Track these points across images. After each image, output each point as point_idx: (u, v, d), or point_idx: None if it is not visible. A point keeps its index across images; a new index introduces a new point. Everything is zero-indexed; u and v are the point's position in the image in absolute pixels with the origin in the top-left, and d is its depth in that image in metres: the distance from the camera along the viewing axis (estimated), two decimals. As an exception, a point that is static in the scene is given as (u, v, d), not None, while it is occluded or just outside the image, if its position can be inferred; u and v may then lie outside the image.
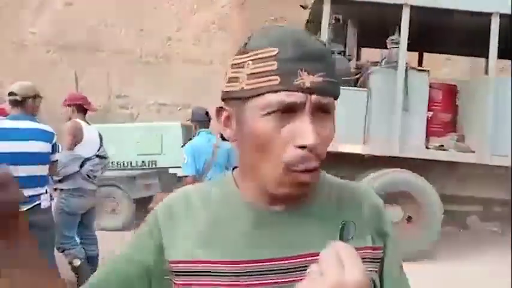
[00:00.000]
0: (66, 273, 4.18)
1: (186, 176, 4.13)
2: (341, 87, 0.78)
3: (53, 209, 3.45)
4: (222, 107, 0.77)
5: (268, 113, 0.68)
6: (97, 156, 4.00)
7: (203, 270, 0.74)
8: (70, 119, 3.93)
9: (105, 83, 10.13)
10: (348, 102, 5.17)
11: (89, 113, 4.18)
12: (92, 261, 4.01)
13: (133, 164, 6.91)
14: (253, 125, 0.70)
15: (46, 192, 3.20)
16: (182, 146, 4.41)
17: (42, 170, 3.17)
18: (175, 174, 6.64)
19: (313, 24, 6.58)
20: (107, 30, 10.56)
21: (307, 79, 0.68)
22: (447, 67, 10.00)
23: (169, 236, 0.77)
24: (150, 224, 0.79)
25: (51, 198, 3.36)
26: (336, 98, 0.73)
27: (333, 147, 5.12)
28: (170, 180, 6.78)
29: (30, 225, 2.63)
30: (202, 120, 4.32)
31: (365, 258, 0.76)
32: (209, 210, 0.78)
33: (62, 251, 3.82)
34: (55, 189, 3.77)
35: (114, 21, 10.61)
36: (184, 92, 9.52)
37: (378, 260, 0.80)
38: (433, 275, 4.83)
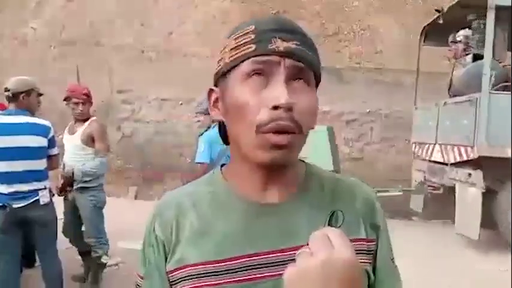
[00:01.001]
0: (74, 268, 4.21)
1: (201, 163, 4.23)
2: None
3: (59, 208, 3.47)
4: (212, 89, 0.81)
5: (246, 79, 0.72)
6: None
7: (198, 273, 0.74)
8: (81, 116, 3.89)
9: (107, 78, 10.12)
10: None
11: (91, 107, 4.21)
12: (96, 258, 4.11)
13: None
14: (233, 93, 0.74)
15: (45, 188, 3.20)
16: (200, 135, 4.47)
17: (38, 164, 3.17)
18: None
19: (444, 26, 6.58)
20: (108, 25, 10.54)
21: (281, 44, 0.72)
22: (448, 60, 9.94)
23: (170, 249, 0.78)
24: (158, 246, 0.79)
25: (52, 195, 3.36)
26: (315, 72, 0.76)
27: (503, 153, 5.15)
28: None
29: (30, 222, 2.66)
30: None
31: (360, 250, 0.78)
32: (200, 211, 0.79)
33: (92, 245, 3.88)
34: (81, 188, 3.77)
35: (115, 16, 10.58)
36: (186, 86, 9.50)
37: (372, 252, 0.81)
38: None
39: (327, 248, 0.54)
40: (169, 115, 9.84)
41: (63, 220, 3.99)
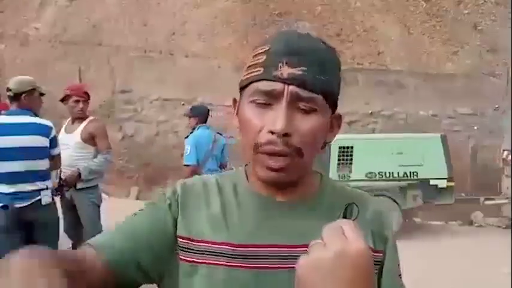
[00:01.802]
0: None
1: (187, 165, 4.39)
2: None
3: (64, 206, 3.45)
4: (235, 99, 0.85)
5: (252, 101, 0.76)
6: None
7: (208, 250, 0.78)
8: (81, 114, 3.90)
9: (109, 78, 10.13)
10: None
11: (93, 108, 4.21)
12: None
13: (395, 175, 6.83)
14: (242, 111, 0.79)
15: (47, 188, 3.18)
16: (186, 137, 4.66)
17: (40, 164, 3.16)
18: (436, 185, 6.71)
19: None
20: (110, 26, 10.55)
21: (285, 71, 0.73)
22: (452, 62, 9.94)
23: (185, 212, 0.81)
24: (170, 197, 0.83)
25: (53, 195, 3.35)
26: (328, 98, 0.77)
27: None
28: (432, 192, 6.75)
29: (31, 222, 2.65)
30: (203, 116, 4.67)
31: None
32: (221, 197, 0.83)
33: None
34: (78, 189, 3.77)
35: (118, 16, 10.59)
36: (188, 87, 9.51)
37: (378, 263, 0.82)
38: None
39: (341, 239, 0.55)
40: (171, 115, 9.85)
41: (65, 220, 3.99)
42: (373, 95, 9.42)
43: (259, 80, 0.75)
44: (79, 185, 3.73)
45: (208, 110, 4.80)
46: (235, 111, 0.84)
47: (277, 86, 0.73)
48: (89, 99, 3.97)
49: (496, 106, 9.40)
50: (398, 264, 0.87)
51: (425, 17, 10.37)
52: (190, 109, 4.88)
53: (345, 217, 0.64)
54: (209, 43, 10.14)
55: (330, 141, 0.86)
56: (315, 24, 10.18)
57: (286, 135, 0.73)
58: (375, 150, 6.67)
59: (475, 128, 9.33)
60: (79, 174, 3.63)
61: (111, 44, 10.37)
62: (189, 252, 0.79)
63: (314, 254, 0.56)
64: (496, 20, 10.29)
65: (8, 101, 3.35)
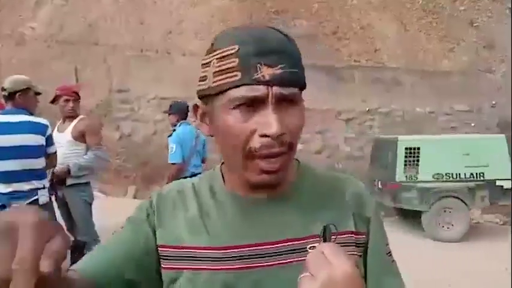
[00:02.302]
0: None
1: (173, 164, 4.41)
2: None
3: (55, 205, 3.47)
4: (197, 105, 0.82)
5: (234, 107, 0.72)
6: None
7: (190, 256, 0.78)
8: (72, 113, 3.96)
9: (106, 77, 10.11)
10: None
11: (90, 107, 4.22)
12: (82, 248, 4.17)
13: (462, 176, 6.78)
14: (222, 119, 0.74)
15: (44, 187, 3.18)
16: (169, 136, 4.66)
17: (37, 163, 3.15)
18: (501, 186, 6.69)
19: None
20: (106, 25, 10.52)
21: (266, 72, 0.71)
22: (448, 59, 9.96)
23: (163, 221, 0.82)
24: (147, 209, 0.83)
25: (50, 194, 3.35)
26: (301, 88, 0.77)
27: None
28: (497, 193, 6.73)
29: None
30: (183, 112, 4.68)
31: (348, 242, 0.80)
32: (199, 201, 0.83)
33: (86, 242, 3.90)
34: (69, 185, 3.78)
35: (114, 15, 10.56)
36: (185, 85, 9.49)
37: (362, 245, 0.83)
38: None
39: (326, 267, 0.56)
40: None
41: (63, 217, 4.00)
42: (370, 93, 9.43)
43: (238, 86, 0.71)
44: (69, 181, 3.74)
45: (188, 107, 4.75)
46: (200, 119, 0.82)
47: (261, 89, 0.71)
48: (79, 99, 4.02)
49: (493, 102, 9.42)
50: (387, 244, 0.87)
51: (422, 14, 10.38)
52: (170, 106, 4.86)
53: (324, 238, 0.65)
54: (206, 42, 10.11)
55: None
56: (312, 22, 10.18)
57: (280, 135, 0.72)
58: (442, 151, 6.64)
59: (472, 124, 9.36)
60: (68, 170, 3.65)
61: (108, 43, 10.35)
62: (170, 260, 0.79)
63: None
64: (492, 16, 10.32)
65: (3, 101, 3.34)
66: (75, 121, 3.91)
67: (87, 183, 3.93)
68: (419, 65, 9.73)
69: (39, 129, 3.19)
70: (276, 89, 0.71)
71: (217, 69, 0.73)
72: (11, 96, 3.13)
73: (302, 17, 10.27)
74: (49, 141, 3.27)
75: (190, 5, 10.56)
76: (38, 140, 3.15)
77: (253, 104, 0.72)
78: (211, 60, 0.75)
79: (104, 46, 10.34)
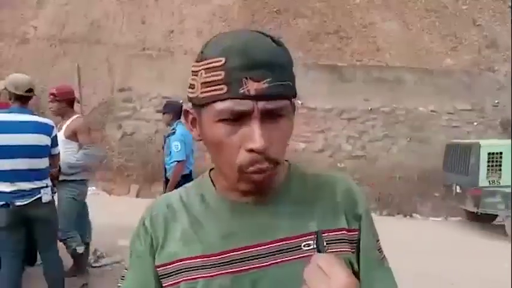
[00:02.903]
0: (69, 262, 4.23)
1: (179, 161, 4.56)
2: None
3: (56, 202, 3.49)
4: (187, 110, 0.83)
5: (220, 120, 0.73)
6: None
7: (186, 267, 0.79)
8: (62, 113, 4.03)
9: (108, 76, 10.12)
10: None
11: (92, 106, 4.27)
12: (86, 247, 4.22)
13: None
14: (209, 130, 0.76)
15: (47, 186, 3.20)
16: (167, 136, 4.77)
17: (42, 163, 3.17)
18: None
19: None
20: (108, 24, 10.53)
21: (251, 87, 0.70)
22: (450, 58, 9.94)
23: (158, 243, 0.83)
24: (144, 236, 0.84)
25: (53, 192, 3.37)
26: (290, 98, 0.77)
27: None
28: None
29: (32, 219, 2.66)
30: (178, 111, 4.77)
31: (341, 239, 0.82)
32: (189, 211, 0.84)
33: (65, 239, 3.94)
34: (60, 181, 3.83)
35: (116, 14, 10.57)
36: (187, 84, 9.49)
37: (355, 242, 0.84)
38: None
39: (323, 281, 0.58)
40: None
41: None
42: (373, 92, 9.42)
43: (224, 100, 0.71)
44: (60, 177, 3.80)
45: (182, 106, 4.85)
46: (190, 124, 0.83)
47: (246, 104, 0.71)
48: (59, 100, 4.02)
49: (496, 102, 9.40)
50: (378, 240, 0.88)
51: (424, 13, 10.36)
52: (164, 106, 4.96)
53: (318, 248, 0.66)
54: (207, 40, 10.14)
55: None
56: (314, 21, 10.17)
57: (265, 149, 0.72)
58: None
59: (475, 123, 9.34)
60: (59, 168, 3.69)
61: (110, 42, 10.36)
62: (169, 276, 0.80)
63: None
64: (494, 15, 10.29)
65: (3, 100, 3.35)
66: (68, 121, 3.98)
67: (79, 181, 3.96)
68: (421, 64, 9.71)
69: (46, 129, 3.21)
70: (261, 104, 0.71)
71: (204, 80, 0.73)
72: (16, 95, 3.14)
73: (304, 16, 10.26)
74: (54, 142, 3.29)
75: (192, 4, 10.56)
76: (44, 140, 3.17)
77: (238, 118, 0.72)
78: (199, 70, 0.75)
79: (106, 45, 10.35)
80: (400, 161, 8.95)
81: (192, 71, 0.78)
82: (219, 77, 0.71)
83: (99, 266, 4.52)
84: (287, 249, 0.78)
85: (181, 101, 5.16)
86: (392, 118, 9.39)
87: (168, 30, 10.41)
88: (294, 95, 0.78)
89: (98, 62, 10.11)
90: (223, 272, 0.77)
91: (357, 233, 0.84)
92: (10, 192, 3.01)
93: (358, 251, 0.84)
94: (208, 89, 0.73)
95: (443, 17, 10.28)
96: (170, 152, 4.64)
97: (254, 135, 0.71)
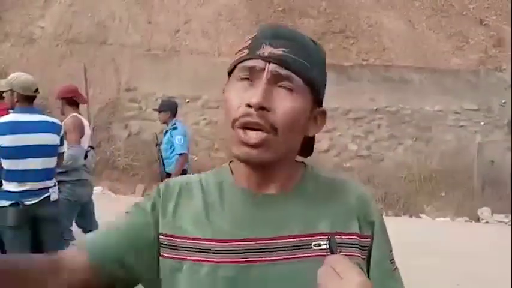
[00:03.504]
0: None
1: (182, 154, 4.77)
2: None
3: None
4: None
5: (238, 80, 0.79)
6: (90, 147, 4.20)
7: (193, 247, 0.78)
8: (62, 112, 4.06)
9: (114, 76, 10.15)
10: None
11: (99, 106, 4.28)
12: None
13: None
14: (225, 92, 0.82)
15: (55, 184, 3.23)
16: (167, 131, 4.95)
17: (52, 162, 3.21)
18: None
19: None
20: (115, 24, 10.57)
21: (267, 50, 0.77)
22: (457, 57, 9.88)
23: (167, 210, 0.82)
24: (154, 197, 0.84)
25: (59, 191, 3.40)
26: (306, 81, 0.78)
27: None
28: None
29: (40, 219, 2.68)
30: (174, 110, 4.99)
31: (352, 244, 0.81)
32: (205, 194, 0.84)
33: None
34: (57, 182, 3.83)
35: (122, 14, 10.60)
36: (193, 84, 9.51)
37: (366, 248, 0.83)
38: None
39: (337, 281, 0.58)
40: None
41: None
42: (378, 91, 9.38)
43: (244, 61, 0.79)
44: (57, 177, 3.79)
45: (177, 105, 5.11)
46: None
47: (259, 63, 0.77)
48: (56, 97, 4.10)
49: (503, 101, 9.34)
50: (391, 250, 0.87)
51: (431, 12, 10.31)
52: (161, 104, 5.15)
53: (330, 250, 0.66)
54: (213, 40, 10.15)
55: (313, 135, 0.86)
56: (320, 20, 10.15)
57: (262, 108, 0.74)
58: None
59: (482, 123, 9.28)
60: None
61: (116, 42, 10.39)
62: (172, 249, 0.79)
63: None
64: (501, 14, 10.22)
65: (7, 101, 3.38)
66: (65, 119, 3.98)
67: (74, 182, 3.92)
68: (428, 64, 9.67)
69: (56, 129, 3.25)
70: (272, 66, 0.76)
71: (237, 50, 0.82)
72: (24, 96, 3.15)
73: (309, 16, 10.25)
74: (62, 141, 3.33)
75: (197, 4, 10.58)
76: (55, 139, 3.21)
77: (252, 79, 0.77)
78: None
79: (112, 45, 10.39)
80: (406, 161, 8.91)
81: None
82: (246, 44, 0.80)
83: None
84: (297, 246, 0.78)
85: (187, 101, 5.31)
86: (398, 118, 9.35)
87: (174, 30, 10.43)
88: (312, 80, 0.79)
89: (104, 62, 10.14)
90: (230, 260, 0.76)
91: (368, 240, 0.83)
92: (20, 192, 3.04)
93: (369, 259, 0.83)
94: (236, 55, 0.81)
95: (450, 16, 10.23)
96: (171, 147, 4.79)
97: (255, 91, 0.75)
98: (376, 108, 9.41)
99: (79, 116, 4.06)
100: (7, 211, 3.02)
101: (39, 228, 3.20)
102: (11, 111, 3.21)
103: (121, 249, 0.79)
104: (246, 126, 0.75)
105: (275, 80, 0.76)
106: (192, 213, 0.81)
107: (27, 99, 3.16)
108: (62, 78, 8.56)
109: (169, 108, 4.97)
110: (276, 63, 0.76)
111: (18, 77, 3.21)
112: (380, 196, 8.18)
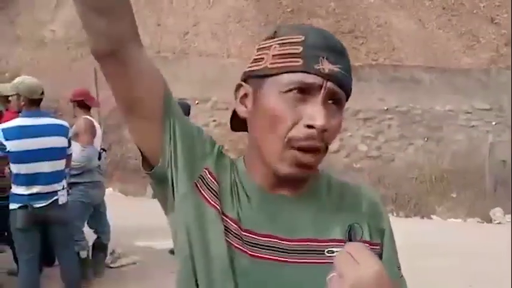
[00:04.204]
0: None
1: None
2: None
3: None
4: (241, 84, 0.82)
5: (286, 92, 0.73)
6: (102, 149, 4.23)
7: (229, 229, 0.77)
8: (74, 115, 4.10)
9: (124, 78, 10.21)
10: None
11: (109, 108, 4.32)
12: (104, 248, 4.23)
13: None
14: (269, 101, 0.75)
15: (63, 188, 3.25)
16: None
17: (60, 165, 3.23)
18: None
19: None
20: (124, 26, 10.64)
21: (326, 66, 0.73)
22: (468, 56, 9.80)
23: (214, 160, 0.82)
24: (213, 144, 0.85)
25: (68, 194, 3.42)
26: (347, 94, 0.79)
27: None
28: None
29: (49, 221, 2.71)
30: (188, 112, 4.90)
31: None
32: (232, 177, 0.83)
33: (105, 245, 3.97)
34: (71, 184, 3.87)
35: (132, 17, 10.67)
36: (202, 86, 9.54)
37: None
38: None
39: (353, 267, 0.57)
40: None
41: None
42: (388, 91, 9.33)
43: (297, 72, 0.73)
44: (70, 179, 3.82)
45: (190, 106, 4.97)
46: (239, 99, 0.83)
47: (318, 80, 0.73)
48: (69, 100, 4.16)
49: (515, 100, 9.24)
50: (397, 257, 0.87)
51: (441, 11, 10.24)
52: None
53: (350, 239, 0.67)
54: (222, 42, 10.17)
55: None
56: (329, 20, 10.13)
57: (324, 130, 0.73)
58: None
59: (493, 123, 9.19)
60: None
61: (126, 44, 10.46)
62: (204, 188, 0.79)
63: None
64: (513, 12, 10.11)
65: (13, 106, 3.41)
66: (76, 121, 4.03)
67: (88, 183, 3.95)
68: (438, 63, 9.60)
69: (63, 131, 3.27)
70: (330, 84, 0.74)
71: (278, 52, 0.75)
72: (33, 100, 3.18)
73: (318, 16, 10.23)
74: (69, 143, 3.35)
75: (206, 6, 10.61)
76: (63, 142, 3.23)
77: (304, 93, 0.73)
78: (272, 45, 0.77)
79: (122, 48, 10.45)
80: (417, 161, 8.84)
81: (261, 47, 0.79)
82: (297, 51, 0.74)
83: (117, 267, 4.56)
84: (310, 250, 0.77)
85: (196, 102, 5.26)
86: (409, 118, 9.29)
87: (183, 33, 10.47)
88: (349, 95, 0.80)
89: (114, 65, 10.22)
90: (245, 249, 0.76)
91: (378, 247, 0.83)
92: (28, 195, 3.06)
93: None
94: (283, 60, 0.74)
95: (460, 15, 10.15)
96: None
97: (318, 112, 0.72)
98: (387, 108, 9.36)
99: (89, 117, 4.10)
100: (16, 214, 3.05)
101: (49, 231, 3.22)
102: (20, 114, 3.24)
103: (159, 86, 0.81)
104: (307, 149, 0.74)
105: (329, 97, 0.75)
106: (223, 190, 0.80)
107: (34, 103, 3.17)
108: (72, 81, 8.62)
109: (182, 110, 4.93)
110: (333, 82, 0.74)
111: (23, 80, 3.23)
112: (391, 197, 8.13)
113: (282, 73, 0.74)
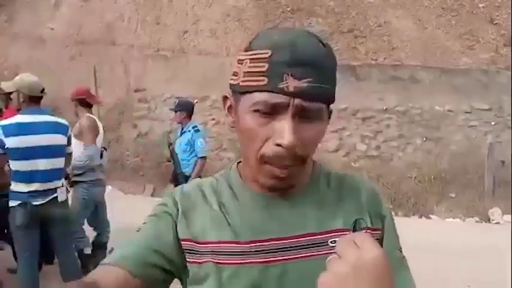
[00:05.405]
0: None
1: (203, 157, 4.72)
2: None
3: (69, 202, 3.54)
4: (227, 96, 0.84)
5: (255, 110, 0.74)
6: (103, 148, 4.25)
7: (215, 251, 0.79)
8: (77, 113, 4.11)
9: (123, 77, 10.21)
10: None
11: (108, 107, 4.33)
12: (103, 246, 4.25)
13: None
14: (242, 118, 0.77)
15: (63, 185, 3.25)
16: (183, 133, 4.84)
17: (59, 162, 3.23)
18: None
19: None
20: (123, 25, 10.62)
21: (291, 84, 0.72)
22: (467, 56, 9.80)
23: (185, 216, 0.83)
24: (170, 205, 0.85)
25: (67, 191, 3.42)
26: (328, 103, 0.78)
27: None
28: None
29: (48, 219, 2.71)
30: (190, 110, 4.84)
31: None
32: (219, 197, 0.85)
33: (104, 243, 3.99)
34: (73, 182, 3.88)
35: (131, 15, 10.66)
36: (201, 84, 9.54)
37: (377, 241, 0.84)
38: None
39: (355, 249, 0.58)
40: None
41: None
42: (388, 91, 9.33)
43: (263, 91, 0.73)
44: (72, 178, 3.86)
45: (194, 105, 4.98)
46: (227, 110, 0.84)
47: (283, 99, 0.72)
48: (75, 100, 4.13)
49: (514, 101, 9.24)
50: (398, 240, 0.90)
51: (440, 11, 10.24)
52: (177, 104, 4.96)
53: (354, 229, 0.70)
54: (222, 41, 10.16)
55: None
56: (328, 20, 10.12)
57: (294, 146, 0.73)
58: None
59: (492, 123, 9.20)
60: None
61: (125, 43, 10.45)
62: (194, 254, 0.81)
63: (332, 269, 0.58)
64: (512, 13, 10.11)
65: (13, 104, 3.41)
66: (80, 120, 4.03)
67: (90, 182, 3.98)
68: (437, 63, 9.60)
69: (63, 129, 3.27)
70: (297, 101, 0.73)
71: (247, 69, 0.75)
72: (33, 97, 3.17)
73: (318, 15, 10.22)
74: (69, 141, 3.35)
75: (205, 4, 10.60)
76: (62, 140, 3.23)
77: (273, 112, 0.74)
78: (245, 59, 0.77)
79: (121, 46, 10.45)
80: (416, 161, 8.85)
81: (238, 60, 0.79)
82: (262, 69, 0.73)
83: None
84: (314, 244, 0.79)
85: (195, 101, 5.24)
86: (408, 117, 9.29)
87: (182, 31, 10.46)
88: (332, 101, 0.79)
89: (113, 63, 10.20)
90: (252, 260, 0.77)
91: (379, 232, 0.86)
92: (27, 192, 3.06)
93: None
94: (250, 78, 0.75)
95: (460, 15, 10.15)
96: (189, 148, 4.68)
97: (285, 130, 0.72)
98: (385, 108, 9.36)
99: (92, 116, 4.11)
100: (15, 211, 3.05)
101: (48, 228, 3.22)
102: (20, 111, 3.24)
103: (151, 255, 0.79)
104: (276, 165, 0.75)
105: (299, 113, 0.74)
106: (210, 217, 0.82)
107: (34, 100, 3.17)
108: (71, 79, 8.62)
109: (185, 108, 4.83)
110: (300, 97, 0.72)
111: (24, 78, 3.23)
112: (389, 196, 8.14)
113: (250, 92, 0.75)
